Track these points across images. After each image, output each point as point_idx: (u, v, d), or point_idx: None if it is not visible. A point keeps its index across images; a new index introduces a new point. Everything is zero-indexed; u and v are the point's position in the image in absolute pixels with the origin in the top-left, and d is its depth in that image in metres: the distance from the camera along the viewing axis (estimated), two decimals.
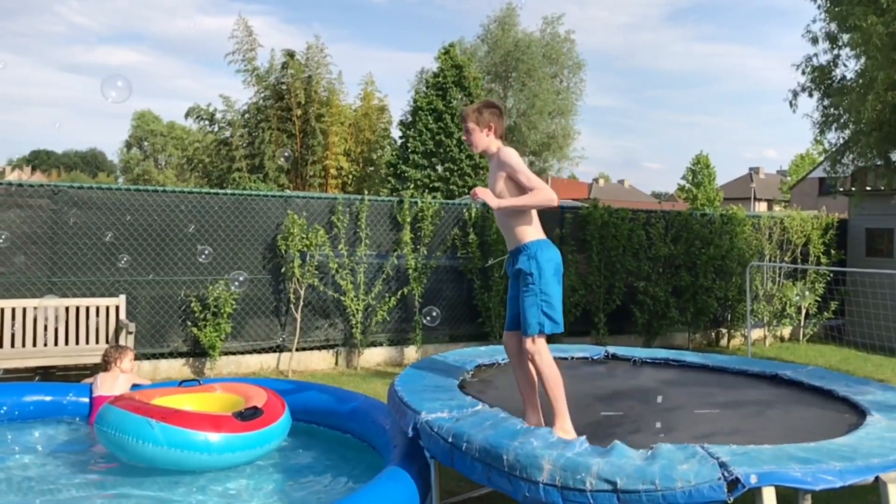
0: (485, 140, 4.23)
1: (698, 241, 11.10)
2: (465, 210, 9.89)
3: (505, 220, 4.15)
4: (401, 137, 25.00)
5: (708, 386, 5.20)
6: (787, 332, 12.32)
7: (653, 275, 10.79)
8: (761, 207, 57.18)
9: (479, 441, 3.51)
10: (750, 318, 10.46)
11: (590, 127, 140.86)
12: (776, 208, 53.25)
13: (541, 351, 3.96)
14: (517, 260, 4.06)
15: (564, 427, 3.85)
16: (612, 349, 6.21)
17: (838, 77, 9.64)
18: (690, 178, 52.70)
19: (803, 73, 9.88)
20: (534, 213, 4.17)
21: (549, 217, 10.51)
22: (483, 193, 3.98)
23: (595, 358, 6.02)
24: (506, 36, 35.84)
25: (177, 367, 8.17)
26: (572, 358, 5.95)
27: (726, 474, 3.08)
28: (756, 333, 11.82)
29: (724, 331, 11.78)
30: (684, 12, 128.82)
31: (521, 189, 4.06)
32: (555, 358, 5.86)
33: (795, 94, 10.01)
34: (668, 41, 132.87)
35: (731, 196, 54.25)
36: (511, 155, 4.11)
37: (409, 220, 9.42)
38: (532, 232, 4.12)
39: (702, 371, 5.73)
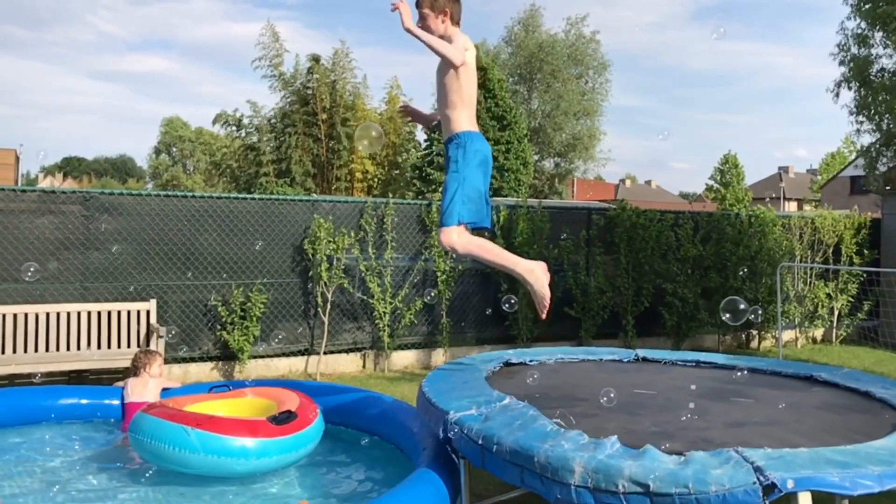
0: (440, 27, 4.15)
1: (728, 242, 10.97)
2: (493, 213, 9.86)
3: (443, 111, 4.17)
4: (426, 140, 25.04)
5: (740, 388, 5.12)
6: (819, 333, 12.13)
7: (681, 276, 10.69)
8: (791, 207, 56.37)
9: (510, 443, 3.49)
10: (781, 319, 10.32)
11: (616, 127, 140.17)
12: (806, 208, 52.51)
13: (458, 241, 3.96)
14: (448, 149, 4.09)
15: (521, 264, 4.01)
16: (641, 352, 6.15)
17: (874, 71, 9.50)
18: (718, 177, 52.08)
19: (841, 63, 9.72)
20: (471, 106, 4.16)
21: (576, 219, 10.48)
22: (403, 8, 3.84)
23: (624, 360, 5.96)
24: (529, 37, 35.78)
25: (206, 371, 8.24)
26: (601, 360, 5.90)
27: (762, 478, 3.03)
28: (787, 335, 11.65)
29: (754, 333, 11.63)
30: (711, 10, 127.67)
31: (458, 84, 4.06)
32: (583, 360, 5.85)
33: (839, 85, 9.84)
34: (695, 40, 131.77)
35: (760, 196, 53.56)
36: (457, 40, 4.07)
37: (436, 222, 9.43)
38: (465, 123, 4.11)
39: (733, 373, 5.65)
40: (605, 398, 4.17)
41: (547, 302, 4.23)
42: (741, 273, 10.81)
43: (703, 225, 11.09)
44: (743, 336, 11.64)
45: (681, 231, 10.76)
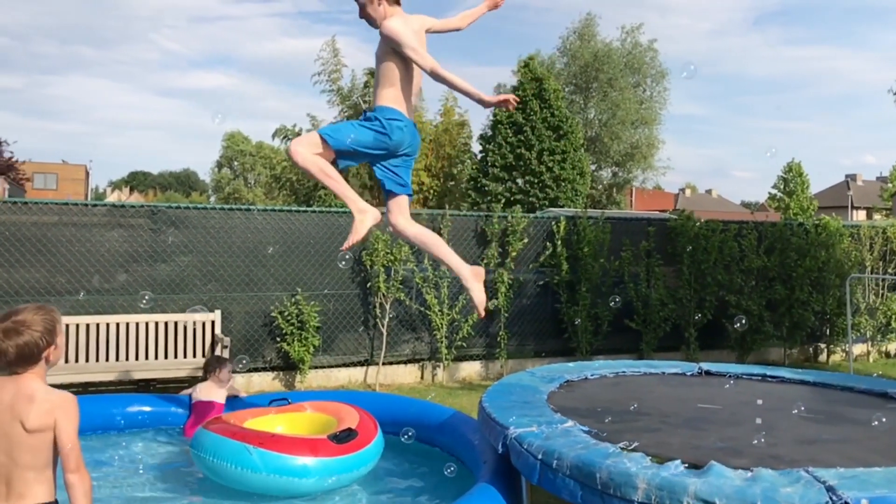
0: (379, 11, 4.19)
1: (793, 253, 10.66)
2: (553, 223, 9.83)
3: (376, 90, 4.23)
4: (480, 151, 25.09)
5: (810, 404, 4.97)
6: (893, 347, 11.67)
7: (745, 288, 10.43)
8: (860, 216, 54.47)
9: (571, 459, 3.45)
10: (851, 332, 9.97)
11: (675, 136, 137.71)
12: (876, 217, 50.65)
13: (301, 151, 4.02)
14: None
15: (359, 204, 4.16)
16: (704, 365, 6.03)
17: None
18: (782, 186, 50.68)
19: None
20: (404, 88, 4.20)
21: (636, 229, 10.34)
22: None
23: (687, 374, 5.85)
24: (585, 47, 35.54)
25: (268, 381, 8.39)
26: (664, 374, 5.80)
27: (834, 498, 2.93)
28: (858, 349, 11.25)
29: (822, 346, 11.27)
30: (772, 16, 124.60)
31: (408, 63, 4.11)
32: (645, 373, 5.76)
33: None
34: (756, 46, 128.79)
35: (826, 205, 51.96)
36: (393, 28, 4.07)
37: (497, 234, 9.43)
38: (391, 100, 4.18)
39: (803, 388, 5.49)
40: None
41: (350, 243, 4.21)
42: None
43: (767, 235, 10.81)
44: (811, 349, 11.28)
45: (744, 242, 10.51)
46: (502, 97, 4.00)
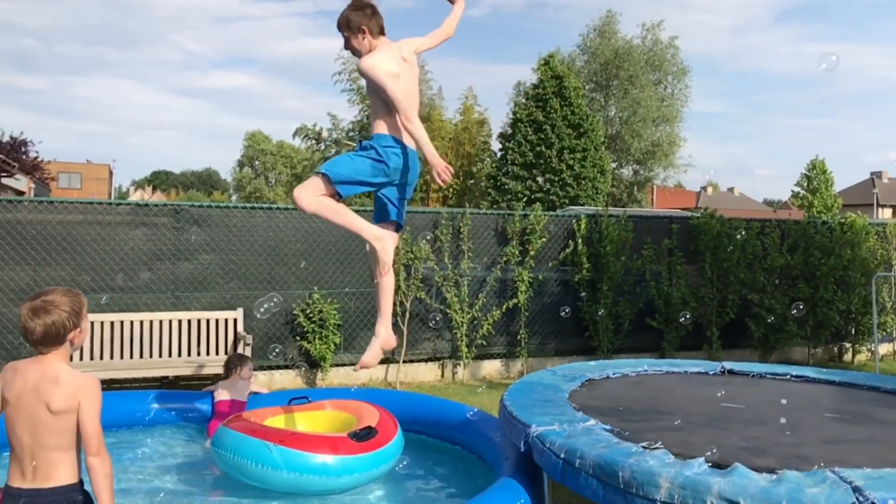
0: (364, 44, 4.26)
1: (817, 251, 10.54)
2: (574, 222, 9.80)
3: (372, 118, 4.30)
4: (500, 150, 25.06)
5: (836, 404, 4.91)
6: None
7: (768, 286, 10.33)
8: (885, 214, 53.73)
9: (593, 457, 3.43)
10: (877, 331, 9.85)
11: (696, 133, 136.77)
12: None
13: (306, 199, 4.10)
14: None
15: (369, 230, 4.23)
16: (727, 364, 5.98)
17: None
18: (805, 184, 50.09)
19: None
20: (395, 115, 4.23)
21: (658, 227, 10.28)
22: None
23: (710, 373, 5.80)
24: (605, 44, 35.36)
25: (290, 378, 8.44)
26: (686, 372, 5.76)
27: (861, 499, 2.89)
28: (884, 348, 11.11)
29: (847, 345, 11.13)
30: (794, 12, 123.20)
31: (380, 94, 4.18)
32: (668, 372, 5.72)
33: None
34: (778, 42, 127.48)
35: (850, 202, 51.25)
36: (369, 68, 4.15)
37: (517, 232, 9.42)
38: (387, 128, 4.26)
39: (828, 387, 5.43)
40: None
41: (385, 271, 4.37)
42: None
43: (790, 233, 10.70)
44: (835, 349, 11.15)
45: (767, 240, 10.41)
46: (441, 168, 4.08)
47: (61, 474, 2.66)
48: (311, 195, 4.13)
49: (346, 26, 4.29)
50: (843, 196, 53.42)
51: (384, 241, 4.30)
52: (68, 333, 2.74)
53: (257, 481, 4.50)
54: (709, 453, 3.45)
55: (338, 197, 4.21)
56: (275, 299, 5.29)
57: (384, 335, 4.52)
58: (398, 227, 4.52)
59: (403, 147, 4.27)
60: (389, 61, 4.21)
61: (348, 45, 4.36)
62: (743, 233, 10.15)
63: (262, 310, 5.20)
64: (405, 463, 5.02)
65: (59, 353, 2.74)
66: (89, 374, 2.75)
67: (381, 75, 4.12)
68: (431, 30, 4.74)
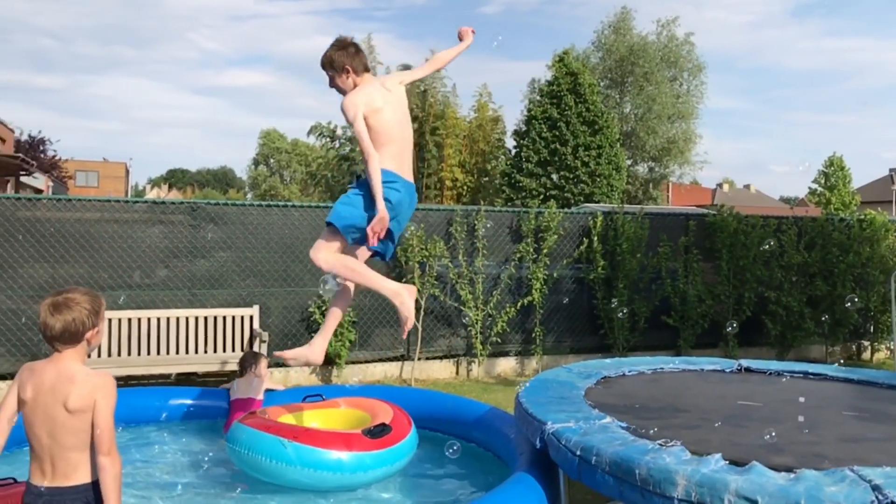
0: (348, 82, 4.33)
1: (835, 248, 10.45)
2: (590, 219, 9.77)
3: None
4: (515, 147, 25.00)
5: (854, 402, 4.87)
6: None
7: (785, 284, 10.26)
8: None
9: (610, 455, 3.43)
10: None
11: (712, 130, 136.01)
12: None
13: (324, 258, 4.22)
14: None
15: (388, 286, 4.26)
16: (744, 362, 5.94)
17: None
18: (823, 181, 49.63)
19: None
20: (389, 145, 4.27)
21: (674, 225, 10.24)
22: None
23: (727, 371, 5.77)
24: (620, 41, 35.19)
25: (305, 375, 8.47)
26: (702, 370, 5.73)
27: (880, 497, 2.87)
28: None
29: (865, 343, 11.03)
30: (811, 7, 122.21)
31: (393, 121, 4.27)
32: (684, 370, 5.70)
33: None
34: (795, 38, 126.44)
35: (868, 199, 50.74)
36: (345, 107, 4.24)
37: (532, 230, 9.40)
38: (383, 163, 4.27)
39: (846, 385, 5.38)
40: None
41: (409, 325, 4.38)
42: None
43: (807, 230, 10.62)
44: (853, 347, 11.05)
45: (784, 237, 10.34)
46: (378, 218, 4.12)
47: (80, 473, 2.69)
48: (327, 253, 4.24)
49: (330, 66, 4.38)
50: (860, 193, 52.93)
51: (402, 297, 4.31)
52: (86, 332, 2.76)
53: (271, 477, 4.51)
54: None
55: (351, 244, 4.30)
56: (337, 278, 5.31)
57: (318, 348, 4.52)
58: (383, 258, 4.56)
59: (402, 181, 4.30)
60: (371, 97, 4.28)
61: (333, 84, 4.44)
62: (771, 242, 10.04)
63: (325, 288, 5.23)
64: (419, 461, 5.03)
65: (75, 351, 2.75)
66: (105, 373, 2.77)
67: (350, 116, 4.22)
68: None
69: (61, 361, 2.73)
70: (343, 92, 4.39)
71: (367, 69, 4.42)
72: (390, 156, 4.29)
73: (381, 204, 4.14)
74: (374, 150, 4.18)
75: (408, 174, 4.40)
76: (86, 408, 2.65)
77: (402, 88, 4.54)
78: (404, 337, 4.54)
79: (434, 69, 4.87)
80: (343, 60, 4.33)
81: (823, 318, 9.37)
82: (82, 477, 2.69)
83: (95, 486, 2.70)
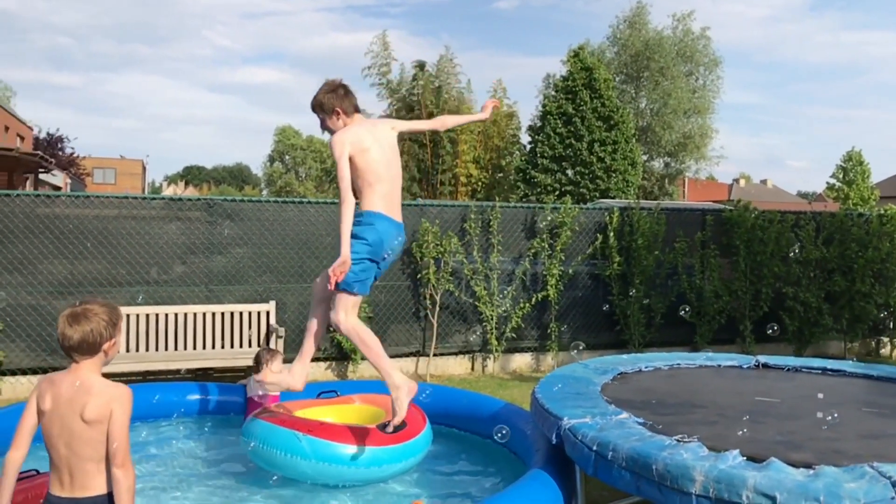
0: (338, 124, 4.39)
1: (854, 244, 10.35)
2: (605, 215, 9.73)
3: (356, 192, 4.35)
4: (529, 143, 24.93)
5: (873, 398, 4.83)
6: None
7: (803, 279, 10.17)
8: None
9: (626, 450, 3.42)
10: None
11: (729, 125, 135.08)
12: None
13: (345, 321, 4.28)
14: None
15: (393, 377, 4.28)
16: (762, 358, 5.90)
17: None
18: (841, 175, 49.11)
19: None
20: (379, 184, 4.31)
21: (690, 220, 10.18)
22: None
23: (744, 367, 5.74)
24: (635, 35, 35.00)
25: (322, 370, 8.50)
26: (720, 366, 5.70)
27: None
28: None
29: (885, 339, 10.92)
30: (829, 0, 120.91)
31: (356, 170, 4.28)
32: (701, 366, 5.67)
33: None
34: (813, 31, 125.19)
35: (888, 194, 50.19)
36: (331, 145, 4.29)
37: (547, 226, 9.38)
38: (371, 203, 4.33)
39: (865, 382, 5.33)
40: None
41: (397, 421, 4.39)
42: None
43: (825, 226, 10.52)
44: (872, 343, 10.95)
45: (802, 232, 10.25)
46: (338, 262, 4.18)
47: (97, 484, 2.70)
48: (350, 317, 4.32)
49: (321, 108, 4.45)
50: (880, 188, 52.37)
51: (401, 392, 4.33)
52: (104, 343, 2.77)
53: (286, 471, 4.54)
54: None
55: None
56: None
57: (298, 375, 4.52)
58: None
59: (381, 218, 4.32)
60: (360, 136, 4.32)
61: (324, 126, 4.51)
62: (797, 251, 9.96)
63: None
64: (437, 456, 5.04)
65: (92, 363, 2.76)
66: (122, 384, 2.77)
67: (336, 154, 4.26)
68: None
69: (79, 373, 2.74)
70: (333, 133, 4.45)
71: (357, 110, 4.48)
72: (380, 195, 4.33)
73: (345, 249, 4.18)
74: (350, 196, 4.23)
75: (398, 214, 4.43)
76: (102, 418, 2.65)
77: (392, 133, 4.57)
78: (389, 430, 4.48)
79: (432, 128, 4.95)
80: (333, 103, 4.41)
81: (844, 317, 9.28)
82: (99, 488, 2.70)
83: (111, 497, 2.71)
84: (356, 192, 4.33)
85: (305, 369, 4.65)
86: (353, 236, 4.26)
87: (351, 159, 4.27)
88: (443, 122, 4.92)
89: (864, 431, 3.99)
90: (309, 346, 4.60)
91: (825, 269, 10.35)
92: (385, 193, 4.36)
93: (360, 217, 4.32)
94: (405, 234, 4.57)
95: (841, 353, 10.48)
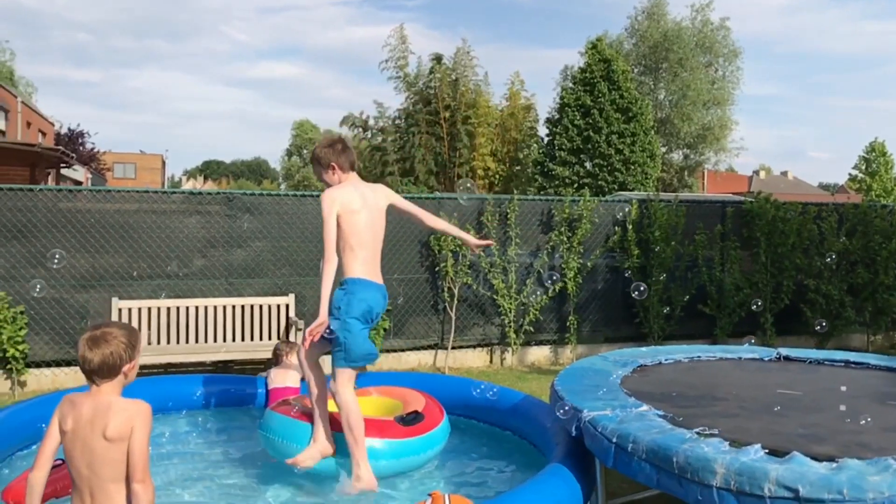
0: (334, 178, 4.44)
1: (877, 235, 10.22)
2: (624, 207, 9.68)
3: (339, 256, 4.32)
4: (547, 135, 24.81)
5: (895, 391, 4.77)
6: None
7: (825, 272, 10.07)
8: None
9: (647, 443, 3.41)
10: None
11: (749, 117, 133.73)
12: None
13: (342, 392, 4.26)
14: (336, 292, 4.27)
15: (361, 467, 4.18)
16: (783, 350, 5.85)
17: None
18: (863, 167, 48.47)
19: None
20: (361, 250, 4.32)
21: (710, 212, 10.10)
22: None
23: (765, 359, 5.69)
24: (654, 26, 34.69)
25: None
26: (740, 359, 5.66)
27: None
28: None
29: None
30: None
31: (340, 231, 4.30)
32: (721, 359, 5.64)
33: None
34: (834, 21, 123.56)
35: None
36: (322, 201, 4.32)
37: (566, 218, 9.34)
38: (354, 269, 4.31)
39: (889, 374, 5.27)
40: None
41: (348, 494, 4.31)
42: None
43: (848, 217, 10.40)
44: None
45: (824, 224, 10.14)
46: (316, 323, 4.18)
47: None
48: (345, 387, 4.31)
49: (318, 161, 4.49)
50: None
51: (359, 483, 4.23)
52: (124, 365, 2.78)
53: None
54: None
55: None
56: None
57: (322, 440, 4.41)
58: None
59: (366, 286, 4.31)
60: (350, 197, 4.36)
61: (321, 178, 4.53)
62: (833, 256, 9.83)
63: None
64: (457, 448, 5.04)
65: (112, 385, 2.78)
66: (140, 401, 2.78)
67: (325, 211, 4.28)
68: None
69: (99, 395, 2.76)
70: (329, 186, 4.48)
71: (353, 167, 4.50)
72: (361, 261, 4.33)
73: (324, 309, 4.19)
74: (334, 255, 4.24)
75: (379, 278, 4.45)
76: (123, 435, 2.67)
77: (384, 200, 4.60)
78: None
79: (423, 220, 4.87)
80: (329, 158, 4.43)
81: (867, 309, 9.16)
82: None
83: None
84: (340, 253, 4.33)
85: (329, 432, 4.48)
86: (341, 309, 4.23)
87: (337, 219, 4.29)
88: (434, 220, 4.94)
89: (888, 424, 3.94)
90: (321, 412, 4.47)
91: (848, 261, 10.24)
92: (365, 259, 4.37)
93: (343, 285, 4.30)
94: (387, 298, 4.55)
95: (864, 346, 10.37)
